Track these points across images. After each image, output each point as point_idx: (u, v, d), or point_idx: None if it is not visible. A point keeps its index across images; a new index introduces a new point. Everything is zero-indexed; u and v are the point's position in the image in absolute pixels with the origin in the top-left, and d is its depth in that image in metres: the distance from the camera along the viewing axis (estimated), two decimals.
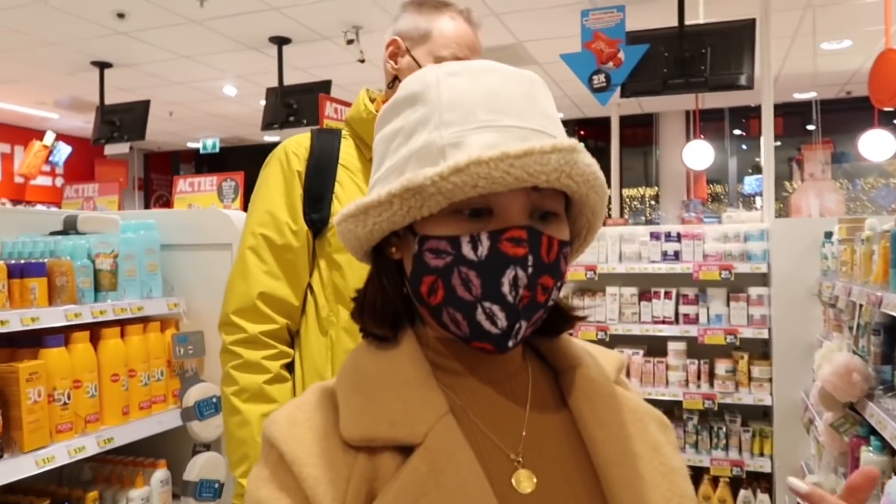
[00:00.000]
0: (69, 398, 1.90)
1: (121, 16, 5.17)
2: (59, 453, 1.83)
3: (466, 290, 0.65)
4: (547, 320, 0.76)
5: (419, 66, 1.43)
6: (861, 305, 2.42)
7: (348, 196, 1.45)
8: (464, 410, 0.69)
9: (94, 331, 2.05)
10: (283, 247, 1.43)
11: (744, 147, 9.51)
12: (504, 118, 0.66)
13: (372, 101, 1.55)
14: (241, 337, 1.40)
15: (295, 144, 1.49)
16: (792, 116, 8.85)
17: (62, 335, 1.93)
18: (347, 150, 1.51)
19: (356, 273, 1.39)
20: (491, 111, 0.66)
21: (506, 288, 0.65)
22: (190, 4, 4.91)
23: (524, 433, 0.70)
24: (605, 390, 0.74)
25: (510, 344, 0.66)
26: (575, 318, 0.79)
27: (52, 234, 2.18)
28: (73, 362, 1.93)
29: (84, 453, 1.90)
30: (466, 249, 0.65)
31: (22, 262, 1.93)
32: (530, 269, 0.65)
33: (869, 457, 2.14)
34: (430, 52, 1.46)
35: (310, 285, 1.47)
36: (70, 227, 2.21)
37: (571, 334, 0.79)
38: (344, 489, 0.63)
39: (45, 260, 1.95)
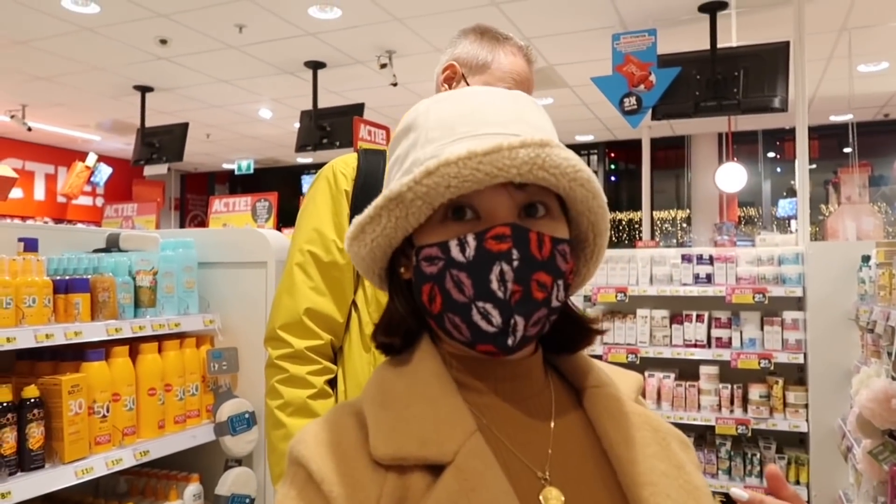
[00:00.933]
0: (108, 411, 1.95)
1: (163, 42, 5.35)
2: (98, 465, 1.87)
3: (460, 292, 0.67)
4: (564, 333, 0.77)
5: None
6: None
7: None
8: (489, 429, 0.69)
9: (133, 345, 2.10)
10: (330, 264, 1.45)
11: (778, 170, 9.39)
12: (483, 128, 0.68)
13: None
14: (287, 352, 1.42)
15: (343, 164, 1.52)
16: (828, 139, 8.72)
17: (103, 349, 1.99)
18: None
19: None
20: (470, 124, 0.69)
21: (494, 285, 0.65)
22: (229, 30, 5.06)
23: (550, 451, 0.70)
24: (629, 409, 0.74)
25: (510, 342, 0.66)
26: (593, 331, 0.79)
27: (95, 251, 2.25)
28: (113, 376, 1.99)
29: (121, 465, 1.94)
30: (455, 252, 0.67)
31: (66, 278, 2.00)
32: (516, 263, 0.65)
33: None
34: (486, 83, 1.46)
35: (354, 302, 1.48)
36: (112, 245, 2.28)
37: (601, 357, 0.80)
38: None
39: (89, 276, 2.02)
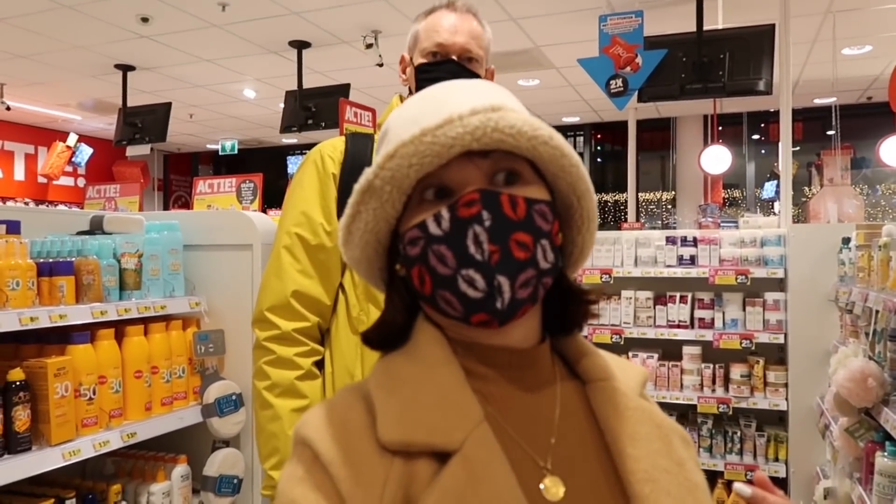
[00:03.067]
0: (94, 393, 1.95)
1: (145, 20, 5.26)
2: (85, 447, 1.88)
3: (444, 265, 0.67)
4: (563, 309, 0.77)
5: (412, 68, 1.53)
6: (877, 311, 2.42)
7: None
8: (494, 417, 0.70)
9: (119, 328, 2.10)
10: (317, 247, 1.47)
11: (762, 152, 9.45)
12: (442, 113, 0.69)
13: None
14: (274, 333, 1.44)
15: (330, 148, 1.54)
16: (812, 122, 8.78)
17: (88, 332, 1.98)
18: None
19: None
20: (432, 113, 0.70)
21: (472, 249, 0.66)
22: (212, 9, 4.99)
23: (553, 441, 0.71)
24: (633, 404, 0.74)
25: (499, 305, 0.66)
26: (588, 301, 0.78)
27: (79, 233, 2.24)
28: (99, 358, 1.98)
29: (108, 447, 1.95)
30: (433, 228, 0.68)
31: (50, 260, 1.98)
32: (487, 223, 0.66)
33: (883, 462, 2.14)
34: (420, 50, 1.52)
35: (341, 285, 1.50)
36: (96, 228, 2.26)
37: (586, 337, 0.81)
38: (380, 493, 0.63)
39: (73, 259, 2.01)
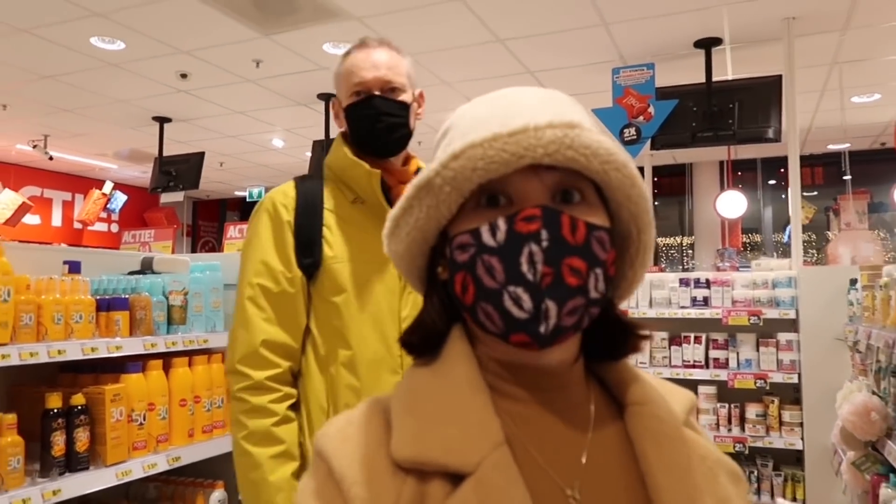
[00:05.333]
0: (144, 419, 2.12)
1: (184, 76, 5.61)
2: (136, 468, 2.04)
3: (491, 277, 0.64)
4: (608, 337, 0.74)
5: (343, 111, 1.57)
6: (878, 348, 2.53)
7: (336, 240, 1.53)
8: (520, 440, 0.66)
9: (167, 360, 2.28)
10: (280, 294, 1.49)
11: (783, 196, 9.56)
12: (515, 118, 0.66)
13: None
14: (247, 384, 1.46)
15: (282, 195, 1.56)
16: (830, 167, 8.91)
17: (140, 363, 2.17)
18: (332, 194, 1.57)
19: (352, 312, 1.49)
20: (503, 118, 0.67)
21: (524, 267, 0.63)
22: (247, 65, 5.32)
23: (582, 467, 0.67)
24: (674, 433, 0.68)
25: (542, 329, 0.63)
26: (639, 336, 0.74)
27: (131, 273, 2.44)
28: (149, 387, 2.16)
29: (156, 469, 2.11)
30: (487, 237, 0.65)
31: (108, 297, 2.19)
32: (545, 244, 0.63)
33: (888, 493, 2.22)
34: (344, 94, 1.56)
35: (308, 326, 1.53)
36: (146, 268, 2.47)
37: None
38: None
39: (128, 296, 2.21)
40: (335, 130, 6.34)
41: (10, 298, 1.81)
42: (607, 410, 0.72)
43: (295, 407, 1.52)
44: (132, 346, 2.13)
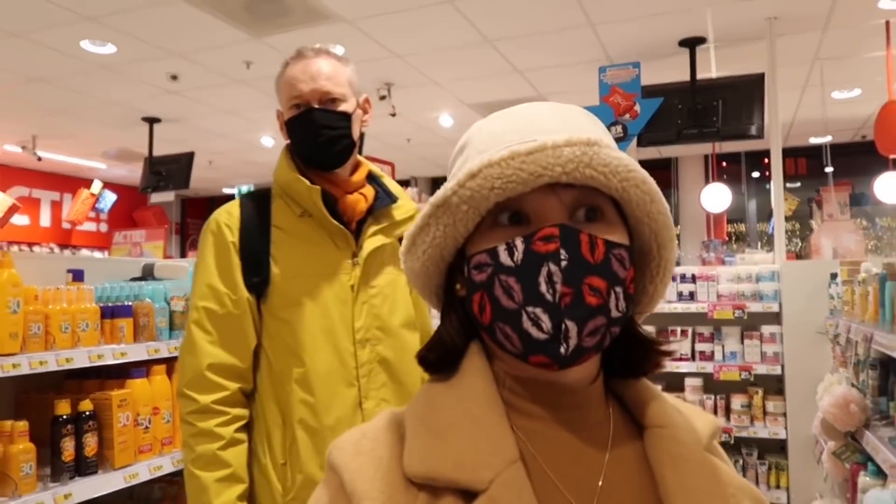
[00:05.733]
0: (150, 423, 2.18)
1: (174, 77, 5.63)
2: (142, 471, 2.11)
3: (509, 298, 0.64)
4: (628, 354, 0.73)
5: (285, 124, 1.56)
6: (857, 342, 2.63)
7: (284, 255, 1.51)
8: (535, 458, 0.65)
9: (170, 364, 2.34)
10: (225, 316, 1.48)
11: (766, 187, 9.70)
12: (532, 135, 0.66)
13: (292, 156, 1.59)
14: (193, 408, 1.45)
15: (226, 215, 1.54)
16: (813, 159, 9.05)
17: (144, 368, 2.23)
18: (279, 210, 1.55)
19: (303, 327, 1.48)
20: (521, 134, 0.67)
21: (543, 287, 0.62)
22: (238, 67, 5.35)
23: (598, 490, 0.65)
24: (695, 456, 0.67)
25: (562, 350, 0.62)
26: (661, 353, 0.73)
27: (133, 279, 2.50)
28: (154, 391, 2.23)
29: (161, 471, 2.18)
30: (504, 257, 0.64)
31: (111, 304, 2.25)
32: (564, 264, 0.62)
33: (866, 481, 2.33)
34: (285, 103, 1.55)
35: (261, 345, 1.52)
36: (148, 274, 2.53)
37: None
38: None
39: (131, 303, 2.27)
40: None
41: (21, 309, 1.86)
42: (626, 430, 0.71)
43: (249, 426, 1.51)
44: (136, 352, 2.19)
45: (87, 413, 1.99)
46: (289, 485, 1.46)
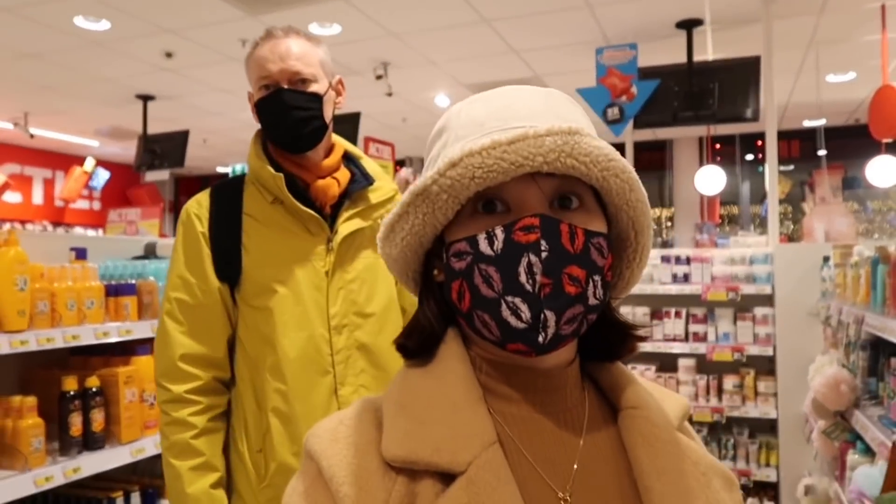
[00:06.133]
0: (155, 399, 2.21)
1: (169, 55, 5.59)
2: (148, 446, 2.14)
3: (489, 286, 0.64)
4: (604, 339, 0.74)
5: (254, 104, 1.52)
6: (848, 324, 2.69)
7: (255, 244, 1.49)
8: (512, 440, 0.67)
9: None
10: (196, 306, 1.48)
11: (759, 169, 9.75)
12: (512, 122, 0.66)
13: (264, 142, 1.57)
14: (167, 397, 1.46)
15: (196, 205, 1.53)
16: (807, 141, 9.10)
17: (148, 345, 2.25)
18: (251, 197, 1.53)
19: (277, 315, 1.46)
20: (499, 119, 0.67)
21: (523, 277, 0.63)
22: (233, 44, 5.31)
23: (574, 471, 0.67)
24: (667, 437, 0.69)
25: (540, 339, 0.63)
26: (635, 337, 0.75)
27: (135, 258, 2.52)
28: None
29: None
30: (484, 245, 0.64)
31: (114, 283, 2.26)
32: (544, 254, 0.63)
33: (854, 459, 2.39)
34: (254, 85, 1.51)
35: (236, 333, 1.52)
36: (150, 253, 2.54)
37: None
38: None
39: (135, 281, 2.29)
40: None
41: (27, 287, 1.88)
42: (601, 412, 0.72)
43: (229, 414, 1.52)
44: (141, 329, 2.22)
45: (95, 389, 2.02)
46: (262, 472, 1.45)
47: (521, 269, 0.63)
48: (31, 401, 1.87)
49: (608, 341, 0.74)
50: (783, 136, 7.91)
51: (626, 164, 0.67)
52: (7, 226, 7.80)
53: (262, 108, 1.49)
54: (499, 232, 0.64)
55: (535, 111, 0.68)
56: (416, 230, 0.69)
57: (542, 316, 0.63)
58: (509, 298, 0.63)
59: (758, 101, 4.70)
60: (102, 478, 2.23)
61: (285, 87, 1.47)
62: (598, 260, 0.66)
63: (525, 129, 0.63)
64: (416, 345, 0.73)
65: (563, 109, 0.70)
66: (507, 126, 0.66)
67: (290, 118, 1.47)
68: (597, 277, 0.66)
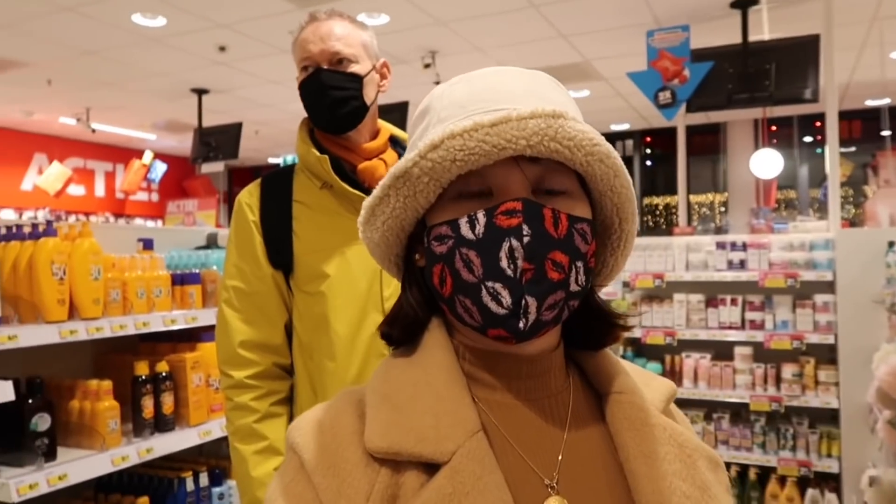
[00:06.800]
0: (219, 383, 2.29)
1: (222, 49, 5.72)
2: (214, 428, 2.23)
3: (469, 272, 0.63)
4: (588, 327, 0.73)
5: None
6: None
7: (306, 229, 1.50)
8: (497, 428, 0.66)
9: None
10: (252, 294, 1.50)
11: (818, 151, 9.43)
12: (494, 104, 0.65)
13: (312, 129, 1.58)
14: (230, 382, 1.50)
15: (247, 195, 1.56)
16: (869, 121, 8.75)
17: (212, 332, 2.33)
18: (301, 184, 1.54)
19: (330, 300, 1.46)
20: (482, 101, 0.66)
21: (504, 262, 0.62)
22: (284, 37, 5.40)
23: (560, 457, 0.66)
24: (652, 420, 0.68)
25: (521, 325, 0.62)
26: (619, 327, 0.74)
27: (198, 248, 2.61)
28: None
29: None
30: (465, 230, 0.63)
31: (179, 272, 2.35)
32: (526, 239, 0.61)
33: None
34: (298, 66, 1.52)
35: (291, 320, 1.54)
36: (212, 243, 2.63)
37: (638, 340, 0.80)
38: None
39: (199, 271, 2.37)
40: None
41: (101, 276, 1.97)
42: (586, 398, 0.72)
43: (289, 400, 1.55)
44: (205, 316, 2.30)
45: (164, 374, 2.11)
46: None
47: (503, 254, 0.62)
48: (107, 384, 1.96)
49: (591, 329, 0.73)
50: (844, 116, 7.63)
51: (611, 149, 0.65)
52: (72, 218, 8.13)
53: (303, 89, 1.50)
54: (480, 216, 0.63)
55: (518, 93, 0.67)
56: (396, 213, 0.68)
57: (524, 302, 0.62)
58: (490, 284, 0.62)
59: (817, 80, 4.54)
60: (170, 458, 2.32)
61: (324, 67, 1.47)
62: (581, 246, 0.65)
63: (508, 112, 0.62)
64: (401, 333, 0.73)
65: (547, 92, 0.69)
66: (490, 108, 0.65)
67: (328, 98, 1.47)
68: (579, 263, 0.65)
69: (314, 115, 1.52)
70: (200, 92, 7.13)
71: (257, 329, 1.50)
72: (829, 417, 3.92)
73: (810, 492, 3.78)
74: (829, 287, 3.84)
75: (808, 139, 9.26)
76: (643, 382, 0.73)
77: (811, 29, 4.55)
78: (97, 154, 10.21)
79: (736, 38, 4.77)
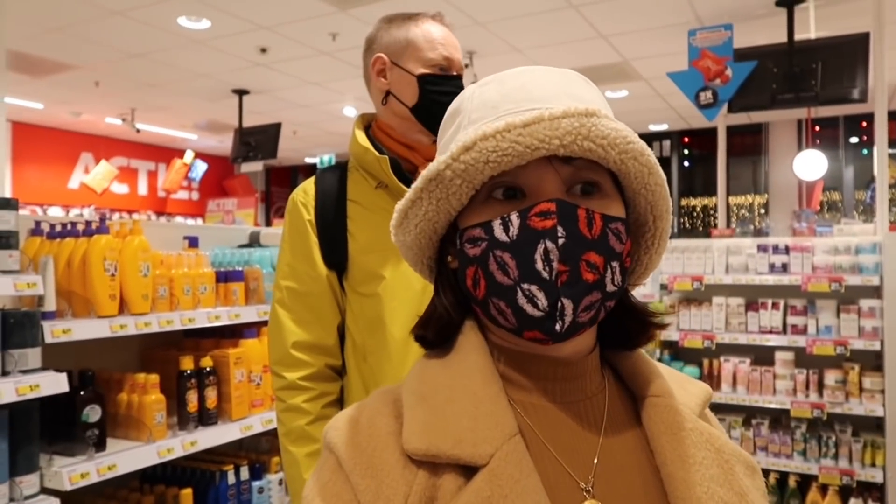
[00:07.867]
0: (261, 380, 2.34)
1: (263, 50, 5.82)
2: (255, 423, 2.28)
3: (504, 273, 0.63)
4: (622, 327, 0.73)
5: (411, 75, 1.48)
6: None
7: (361, 229, 1.49)
8: (533, 431, 0.65)
9: None
10: (306, 293, 1.48)
11: (864, 152, 9.17)
12: (526, 104, 0.64)
13: (368, 126, 1.58)
14: (282, 384, 1.48)
15: (302, 194, 1.54)
16: None
17: (255, 329, 2.39)
18: (355, 183, 1.53)
19: (384, 301, 1.45)
20: (514, 102, 0.65)
21: (539, 264, 0.61)
22: (324, 39, 5.48)
23: (596, 461, 0.66)
24: (689, 424, 0.68)
25: (557, 327, 0.62)
26: (653, 325, 0.73)
27: (241, 246, 2.66)
28: (264, 351, 2.38)
29: (272, 425, 2.34)
30: (499, 231, 0.63)
31: (223, 269, 2.41)
32: (561, 241, 0.61)
33: None
34: (418, 58, 1.48)
35: (346, 323, 1.52)
36: (254, 241, 2.68)
37: (676, 343, 0.79)
38: None
39: (242, 268, 2.42)
40: None
41: (150, 273, 2.03)
42: (622, 400, 0.71)
43: (339, 402, 1.53)
44: (248, 314, 2.35)
45: (208, 369, 2.16)
46: None
47: (538, 256, 0.61)
48: (154, 378, 2.02)
49: (626, 329, 0.73)
50: (892, 116, 7.41)
51: (645, 146, 0.64)
52: (116, 216, 8.36)
53: (435, 83, 1.47)
54: (514, 217, 0.63)
55: (550, 93, 0.66)
56: (429, 216, 0.68)
57: (559, 304, 0.61)
58: (525, 286, 0.62)
59: (866, 80, 4.42)
60: (212, 451, 2.38)
61: (457, 74, 1.50)
62: (616, 246, 0.64)
63: (540, 111, 0.61)
64: (435, 335, 0.73)
65: (579, 90, 0.68)
66: (522, 108, 0.64)
67: (449, 103, 1.48)
68: (615, 263, 0.64)
69: (429, 113, 1.49)
70: (241, 93, 7.26)
71: (310, 330, 1.48)
72: (874, 426, 3.82)
73: (853, 501, 3.69)
74: (876, 292, 3.74)
75: (853, 140, 9.02)
76: (679, 386, 0.72)
77: (860, 27, 4.44)
78: (140, 153, 10.47)
79: (780, 37, 4.68)
